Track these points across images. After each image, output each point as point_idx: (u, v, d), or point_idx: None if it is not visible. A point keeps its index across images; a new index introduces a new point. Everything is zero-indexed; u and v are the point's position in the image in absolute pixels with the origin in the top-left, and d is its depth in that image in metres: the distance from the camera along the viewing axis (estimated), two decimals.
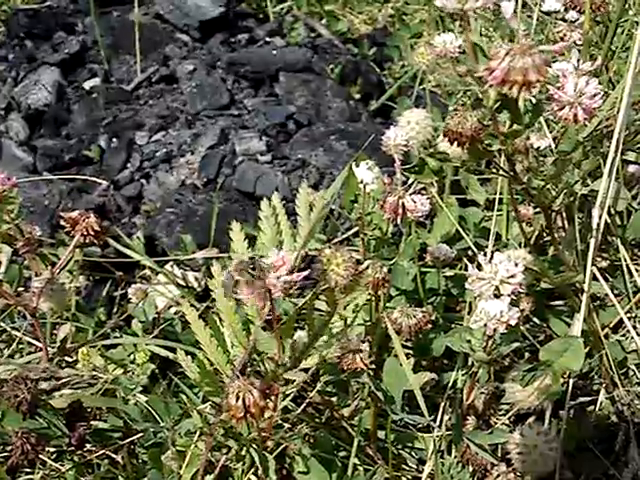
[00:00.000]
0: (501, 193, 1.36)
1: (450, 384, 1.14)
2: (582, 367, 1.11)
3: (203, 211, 1.53)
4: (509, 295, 0.82)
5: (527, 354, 1.31)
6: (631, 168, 1.43)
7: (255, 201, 1.57)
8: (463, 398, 0.99)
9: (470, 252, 1.37)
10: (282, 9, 2.50)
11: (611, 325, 1.21)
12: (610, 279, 1.31)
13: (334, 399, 1.10)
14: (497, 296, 0.83)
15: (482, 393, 1.09)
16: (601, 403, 1.19)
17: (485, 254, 0.86)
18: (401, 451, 1.13)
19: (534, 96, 0.65)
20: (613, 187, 1.06)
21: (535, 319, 1.31)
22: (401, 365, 0.86)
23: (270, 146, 1.67)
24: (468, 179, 0.91)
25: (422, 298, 1.29)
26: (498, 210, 1.35)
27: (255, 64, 1.95)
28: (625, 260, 1.20)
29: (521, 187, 0.78)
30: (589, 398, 1.15)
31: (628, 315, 1.19)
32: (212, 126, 1.75)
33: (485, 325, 0.80)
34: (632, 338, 1.17)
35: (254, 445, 0.81)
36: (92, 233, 1.01)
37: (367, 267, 0.89)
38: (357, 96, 1.94)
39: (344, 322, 0.91)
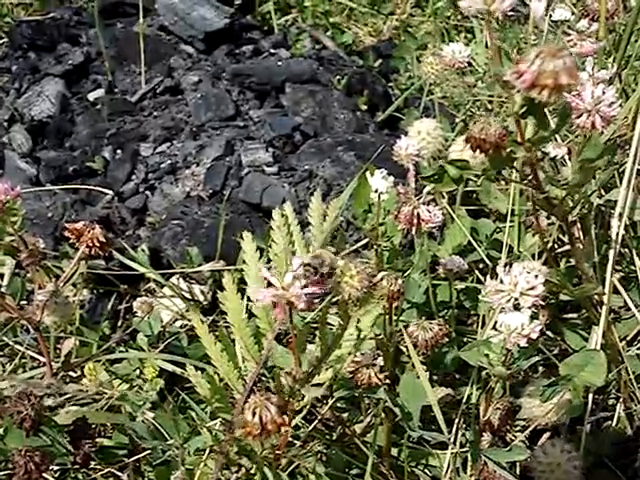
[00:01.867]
0: (513, 204, 1.34)
1: (464, 399, 1.12)
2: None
3: (209, 223, 1.50)
4: (529, 308, 0.80)
5: (541, 368, 1.28)
6: None
7: (262, 213, 1.55)
8: (479, 414, 0.96)
9: (482, 264, 1.34)
10: (287, 21, 2.50)
11: (628, 338, 1.19)
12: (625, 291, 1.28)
13: (345, 415, 1.07)
14: (516, 309, 0.81)
15: (497, 409, 1.06)
16: (619, 418, 1.16)
17: (502, 265, 0.83)
18: (415, 469, 1.10)
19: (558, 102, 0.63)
20: (630, 197, 1.04)
21: (549, 332, 1.28)
22: (419, 379, 0.83)
23: (277, 157, 1.65)
24: (488, 188, 0.88)
25: (434, 311, 1.26)
26: (510, 222, 1.33)
27: (260, 75, 1.93)
28: None
29: (543, 196, 0.76)
30: (608, 414, 1.12)
31: None
32: (217, 137, 1.73)
33: (505, 339, 0.78)
34: None
35: (267, 463, 0.78)
36: (97, 245, 0.98)
37: (382, 279, 0.87)
38: (364, 107, 1.93)
39: (357, 336, 0.89)
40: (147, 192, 1.66)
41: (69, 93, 1.94)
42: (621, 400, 1.14)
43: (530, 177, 0.73)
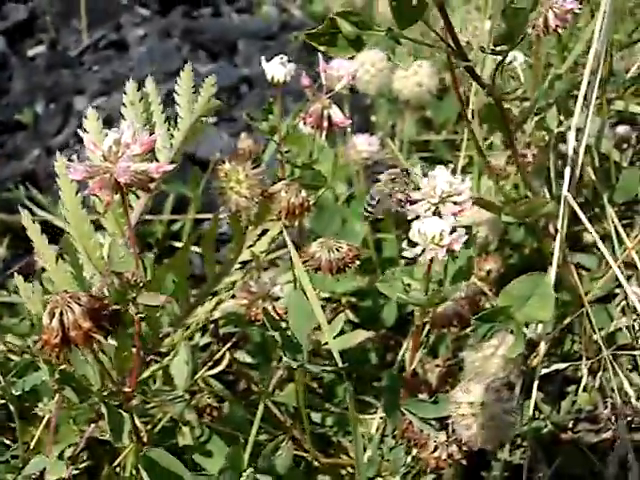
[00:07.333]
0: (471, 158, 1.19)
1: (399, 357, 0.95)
2: (555, 331, 0.92)
3: None
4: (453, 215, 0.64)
5: None
6: (620, 129, 1.27)
7: (196, 164, 1.39)
8: (405, 366, 0.80)
9: None
10: None
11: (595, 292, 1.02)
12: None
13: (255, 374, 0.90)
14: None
15: (437, 366, 0.90)
16: (585, 386, 0.99)
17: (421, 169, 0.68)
18: (341, 438, 0.93)
19: None
20: (592, 120, 0.88)
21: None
22: (306, 297, 0.66)
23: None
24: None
25: (376, 266, 1.11)
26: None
27: (214, 32, 1.79)
28: (613, 222, 1.02)
29: (465, 64, 0.60)
30: (563, 365, 0.95)
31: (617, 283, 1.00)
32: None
33: (422, 251, 0.61)
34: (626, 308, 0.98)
35: (110, 402, 0.61)
36: None
37: (280, 189, 0.71)
38: None
39: (254, 259, 0.73)
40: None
41: (10, 51, 1.79)
42: (585, 365, 0.96)
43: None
